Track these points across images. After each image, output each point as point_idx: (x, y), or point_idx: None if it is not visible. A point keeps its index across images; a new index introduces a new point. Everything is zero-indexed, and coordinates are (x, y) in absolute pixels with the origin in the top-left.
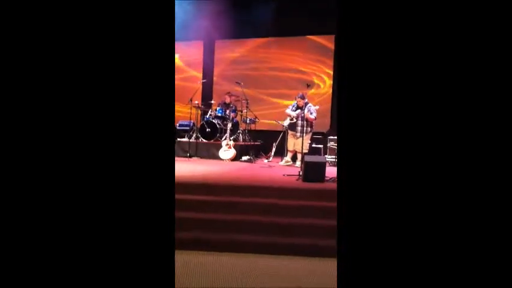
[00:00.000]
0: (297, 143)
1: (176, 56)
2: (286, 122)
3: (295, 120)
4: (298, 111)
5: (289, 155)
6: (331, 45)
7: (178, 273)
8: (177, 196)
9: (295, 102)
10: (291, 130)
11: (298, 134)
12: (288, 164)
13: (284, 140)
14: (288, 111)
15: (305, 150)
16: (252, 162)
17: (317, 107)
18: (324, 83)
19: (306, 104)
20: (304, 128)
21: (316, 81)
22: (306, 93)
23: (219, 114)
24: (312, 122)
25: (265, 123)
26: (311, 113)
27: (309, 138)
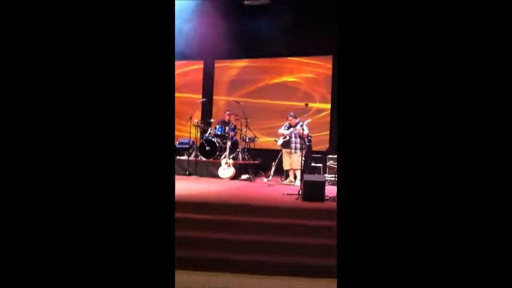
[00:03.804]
0: (292, 160)
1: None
2: (280, 141)
3: (288, 138)
4: (291, 129)
5: (292, 174)
6: (329, 66)
7: None
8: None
9: (288, 122)
10: (285, 148)
11: (293, 151)
12: (291, 183)
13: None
14: (281, 130)
15: (300, 167)
16: (251, 181)
17: (309, 120)
18: (324, 102)
19: (298, 122)
20: (299, 145)
21: (312, 105)
22: (306, 110)
23: (219, 133)
24: (306, 139)
25: (264, 142)
26: (303, 130)
27: (303, 155)
